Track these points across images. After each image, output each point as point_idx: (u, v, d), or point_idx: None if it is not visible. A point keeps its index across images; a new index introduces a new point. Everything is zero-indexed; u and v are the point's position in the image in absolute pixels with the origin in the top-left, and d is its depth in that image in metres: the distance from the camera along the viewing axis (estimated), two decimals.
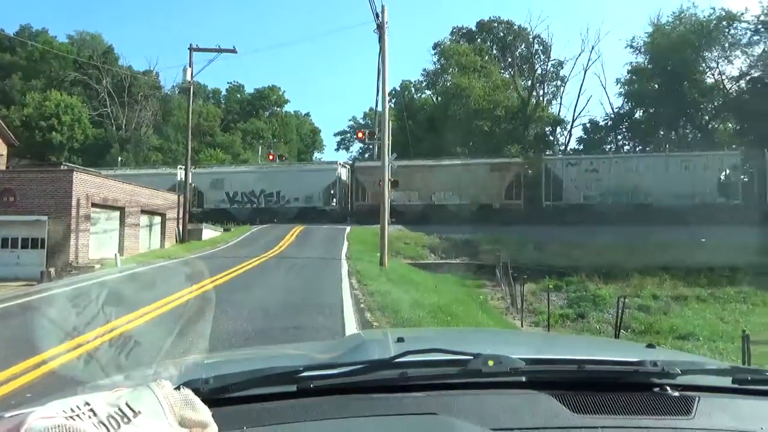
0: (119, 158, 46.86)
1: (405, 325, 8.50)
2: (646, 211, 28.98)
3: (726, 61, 43.04)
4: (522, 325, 16.64)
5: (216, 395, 1.07)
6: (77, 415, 0.82)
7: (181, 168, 37.51)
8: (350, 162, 38.41)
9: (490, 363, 1.15)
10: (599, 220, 27.75)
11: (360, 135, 31.10)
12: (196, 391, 0.99)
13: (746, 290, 20.40)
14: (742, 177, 30.94)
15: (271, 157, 42.13)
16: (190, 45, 25.81)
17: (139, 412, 0.86)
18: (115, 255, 19.23)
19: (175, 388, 0.94)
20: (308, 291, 11.82)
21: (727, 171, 30.88)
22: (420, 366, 1.18)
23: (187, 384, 1.02)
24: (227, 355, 1.87)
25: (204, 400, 0.97)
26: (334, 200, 35.23)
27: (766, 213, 27.01)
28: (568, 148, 49.73)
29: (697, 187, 29.81)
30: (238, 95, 65.59)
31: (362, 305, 10.18)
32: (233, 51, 25.94)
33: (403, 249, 25.70)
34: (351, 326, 7.86)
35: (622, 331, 15.35)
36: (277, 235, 26.09)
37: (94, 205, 19.99)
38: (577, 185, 31.86)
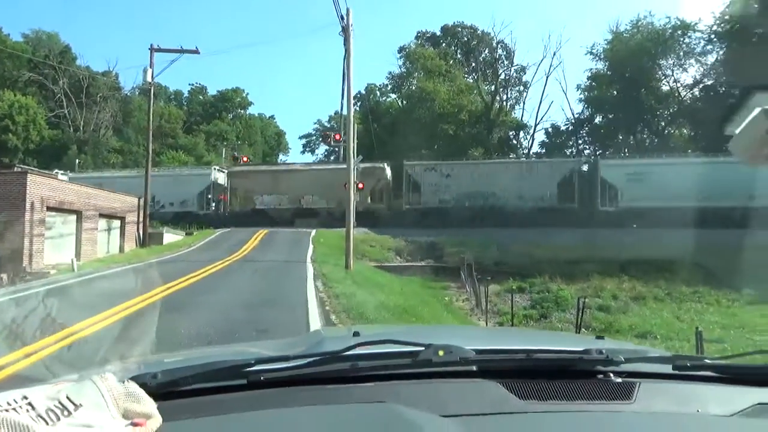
0: (77, 160, 45.51)
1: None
2: (495, 213, 31.55)
3: (681, 69, 44.67)
4: (486, 326, 16.83)
5: (165, 389, 1.06)
6: (14, 409, 0.79)
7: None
8: (225, 167, 38.57)
9: (441, 353, 1.17)
10: (455, 222, 30.40)
11: (337, 137, 30.82)
12: (144, 386, 0.99)
13: (701, 290, 21.10)
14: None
15: (245, 159, 41.70)
16: (151, 45, 25.26)
17: (80, 405, 0.85)
18: (72, 260, 18.64)
19: (121, 382, 0.94)
20: (272, 293, 11.68)
21: (566, 176, 33.31)
22: (371, 358, 1.20)
23: (134, 378, 1.02)
24: (185, 353, 1.84)
25: (153, 394, 0.97)
26: (212, 204, 35.55)
27: (597, 215, 30.20)
28: (531, 152, 50.72)
29: (540, 191, 32.45)
30: (201, 97, 64.62)
31: (327, 307, 10.14)
32: (195, 52, 25.50)
33: (368, 252, 25.71)
34: (316, 328, 7.81)
35: (583, 330, 15.69)
36: (240, 239, 25.74)
37: (49, 208, 19.34)
38: (433, 190, 33.86)
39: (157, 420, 0.92)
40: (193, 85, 65.06)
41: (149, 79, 25.41)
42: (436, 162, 36.31)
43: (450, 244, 27.08)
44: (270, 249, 22.33)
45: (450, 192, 33.66)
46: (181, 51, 25.43)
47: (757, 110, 0.67)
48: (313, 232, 28.00)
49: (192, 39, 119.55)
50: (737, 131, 0.73)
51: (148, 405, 0.94)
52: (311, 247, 22.79)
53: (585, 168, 34.21)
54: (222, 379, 1.14)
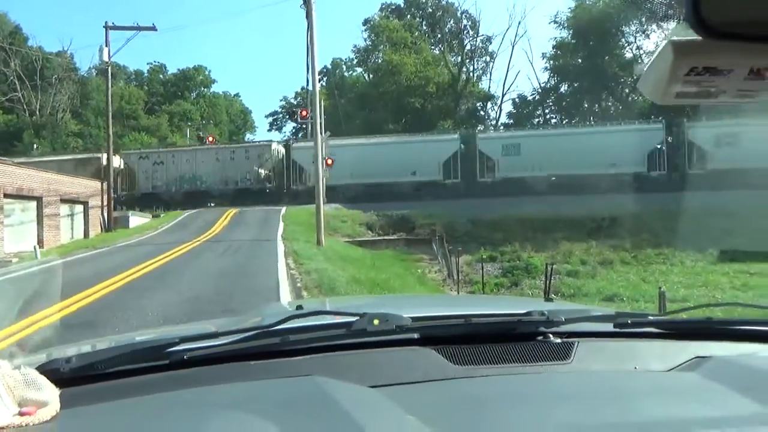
0: (34, 145, 43.99)
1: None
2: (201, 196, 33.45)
3: (643, 35, 45.15)
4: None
5: (81, 374, 1.01)
6: None
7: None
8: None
9: (376, 322, 1.13)
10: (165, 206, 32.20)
11: (304, 113, 30.28)
12: (57, 372, 0.95)
13: (666, 252, 21.69)
14: (265, 168, 34.83)
15: (210, 140, 40.79)
16: (106, 23, 24.37)
17: None
18: (34, 248, 18.13)
19: (17, 369, 0.89)
20: (242, 273, 11.56)
21: (267, 160, 34.52)
22: (304, 331, 1.16)
23: (47, 365, 0.98)
24: (114, 338, 1.77)
25: (67, 380, 0.93)
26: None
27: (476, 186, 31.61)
28: (499, 123, 50.98)
29: (239, 175, 34.46)
30: (161, 76, 62.71)
31: (299, 284, 10.10)
32: (152, 29, 24.70)
33: (340, 227, 25.63)
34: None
35: (552, 295, 16.01)
36: (209, 219, 25.37)
37: (6, 195, 18.72)
38: (148, 176, 34.98)
39: (52, 408, 0.87)
40: (152, 63, 63.19)
41: (105, 58, 24.59)
42: (148, 150, 37.38)
43: (421, 216, 27.17)
44: (240, 228, 22.07)
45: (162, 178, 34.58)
46: (138, 28, 24.60)
47: (663, 43, 0.63)
48: (283, 209, 27.77)
49: (149, 16, 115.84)
50: (645, 68, 0.68)
51: (48, 392, 0.88)
52: (281, 224, 22.61)
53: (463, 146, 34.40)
54: (143, 361, 1.08)
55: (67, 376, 0.98)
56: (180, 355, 1.08)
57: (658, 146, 31.62)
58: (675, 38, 0.64)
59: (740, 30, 0.60)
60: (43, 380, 0.91)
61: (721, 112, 28.54)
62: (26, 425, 0.82)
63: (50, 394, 0.89)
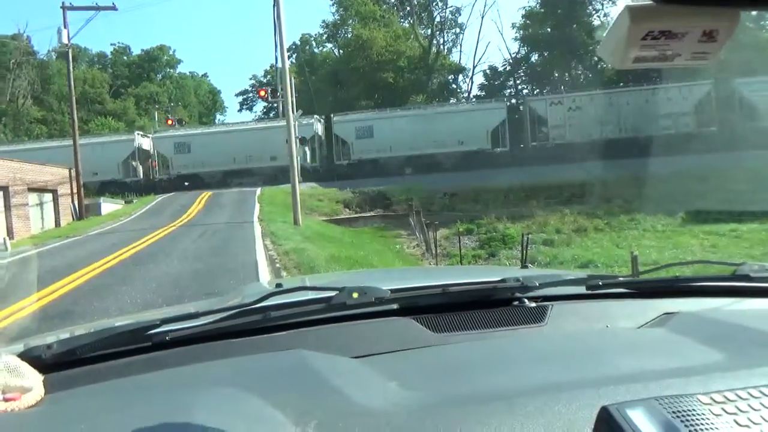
0: None
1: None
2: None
3: (610, 2, 45.24)
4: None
5: (62, 359, 1.01)
6: None
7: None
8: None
9: (355, 295, 1.15)
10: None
11: (262, 93, 29.94)
12: (38, 358, 0.96)
13: (637, 217, 22.14)
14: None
15: (169, 122, 39.88)
16: (63, 3, 23.47)
17: None
18: (4, 239, 17.70)
19: None
20: (220, 256, 11.49)
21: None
22: (285, 308, 1.18)
23: (27, 352, 0.98)
24: (94, 324, 1.77)
25: (48, 366, 0.94)
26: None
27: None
28: (471, 96, 50.90)
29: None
30: (125, 58, 60.96)
31: (278, 265, 10.08)
32: (112, 8, 23.84)
33: (317, 206, 25.54)
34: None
35: (528, 264, 16.26)
36: (183, 203, 25.03)
37: None
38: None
39: (36, 393, 0.88)
40: (115, 45, 61.36)
41: (65, 40, 23.70)
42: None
43: (398, 192, 27.22)
44: (215, 211, 21.84)
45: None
46: (97, 8, 23.74)
47: (622, 7, 0.66)
48: (258, 190, 27.52)
49: None
50: (605, 34, 0.71)
51: (31, 378, 0.89)
52: (257, 206, 22.43)
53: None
54: (125, 344, 1.08)
55: (49, 362, 0.98)
56: (162, 336, 1.09)
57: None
58: (631, 4, 0.67)
59: None
60: (25, 367, 0.91)
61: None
62: (11, 410, 0.83)
63: (33, 380, 0.90)
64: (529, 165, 28.73)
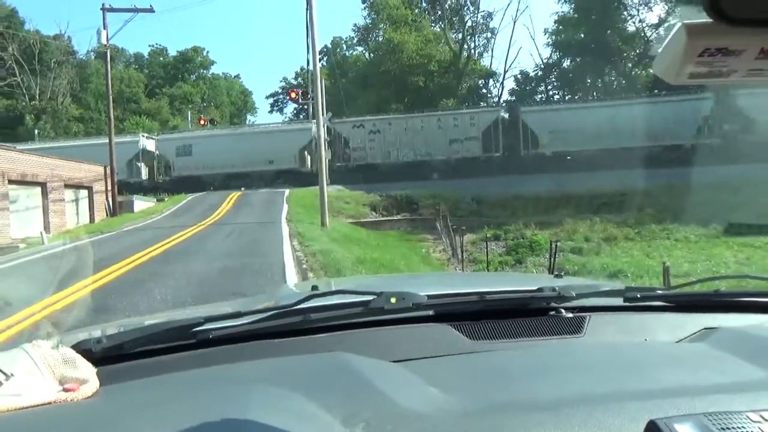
0: (35, 130, 43.89)
1: None
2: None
3: (646, 8, 44.47)
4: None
5: (110, 353, 1.05)
6: None
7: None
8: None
9: (393, 300, 1.16)
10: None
11: (292, 95, 30.25)
12: (89, 352, 0.99)
13: (670, 227, 21.64)
14: None
15: (202, 122, 40.52)
16: (103, 5, 24.11)
17: (12, 374, 0.84)
18: (41, 233, 18.23)
19: (55, 349, 0.93)
20: (248, 255, 11.62)
21: None
22: (324, 310, 1.20)
23: (78, 345, 1.02)
24: (137, 319, 1.82)
25: (98, 360, 0.98)
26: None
27: None
28: (501, 101, 50.56)
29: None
30: (161, 58, 62.30)
31: (305, 266, 10.15)
32: (150, 10, 24.42)
33: (343, 209, 25.65)
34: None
35: (555, 272, 16.04)
36: (213, 202, 25.41)
37: (11, 181, 18.75)
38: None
39: (92, 385, 0.91)
40: (153, 46, 62.78)
41: (104, 41, 24.34)
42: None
43: (425, 196, 27.15)
44: (244, 211, 22.11)
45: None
46: (135, 10, 24.33)
47: (677, 25, 0.66)
48: (287, 191, 27.77)
49: None
50: (660, 50, 0.71)
51: (85, 370, 0.93)
52: (285, 206, 22.64)
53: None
54: (170, 340, 1.11)
55: (98, 356, 1.01)
56: (206, 334, 1.12)
57: None
58: (688, 21, 0.67)
59: (750, 14, 0.63)
60: (80, 359, 0.95)
61: None
62: (71, 401, 0.86)
63: (88, 371, 0.93)
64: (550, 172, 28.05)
